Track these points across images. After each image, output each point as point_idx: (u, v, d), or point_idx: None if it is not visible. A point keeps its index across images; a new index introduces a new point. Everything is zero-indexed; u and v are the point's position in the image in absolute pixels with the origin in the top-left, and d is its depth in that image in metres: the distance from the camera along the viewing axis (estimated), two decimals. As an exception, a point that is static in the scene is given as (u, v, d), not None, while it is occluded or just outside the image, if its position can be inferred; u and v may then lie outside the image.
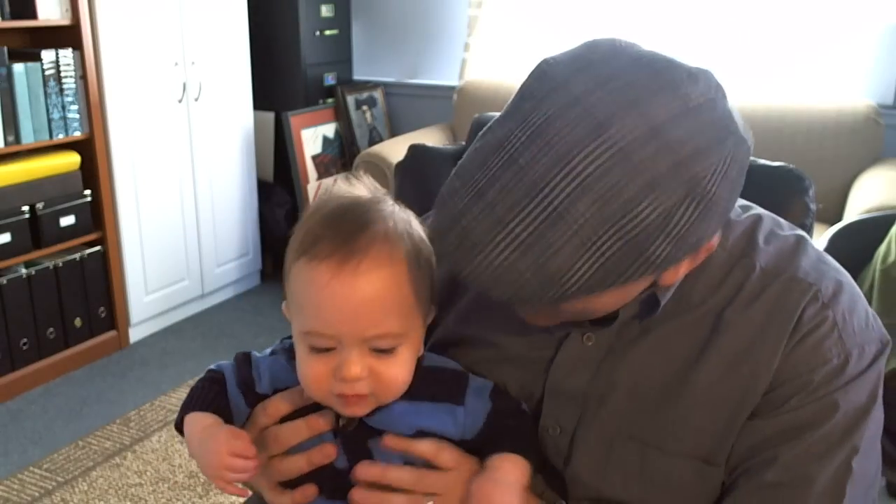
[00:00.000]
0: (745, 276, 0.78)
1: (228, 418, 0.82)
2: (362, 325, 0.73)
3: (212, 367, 0.87)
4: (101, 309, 3.11)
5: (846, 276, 0.81)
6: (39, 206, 2.79)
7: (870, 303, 1.57)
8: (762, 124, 3.02)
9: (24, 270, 2.80)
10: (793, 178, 1.07)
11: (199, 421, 0.81)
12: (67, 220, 2.91)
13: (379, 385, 0.76)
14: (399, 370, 0.77)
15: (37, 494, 2.31)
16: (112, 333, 3.17)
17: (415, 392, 0.79)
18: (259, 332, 3.36)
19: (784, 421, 0.75)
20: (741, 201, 0.84)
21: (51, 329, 2.93)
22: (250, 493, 0.90)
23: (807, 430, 0.75)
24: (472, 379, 0.83)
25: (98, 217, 3.01)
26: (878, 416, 0.78)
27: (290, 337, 0.85)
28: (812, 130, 2.98)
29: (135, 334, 3.27)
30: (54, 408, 2.78)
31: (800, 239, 0.82)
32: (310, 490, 0.82)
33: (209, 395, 0.83)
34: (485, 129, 0.71)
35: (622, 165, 0.61)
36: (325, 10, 3.81)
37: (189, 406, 0.83)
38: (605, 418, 0.81)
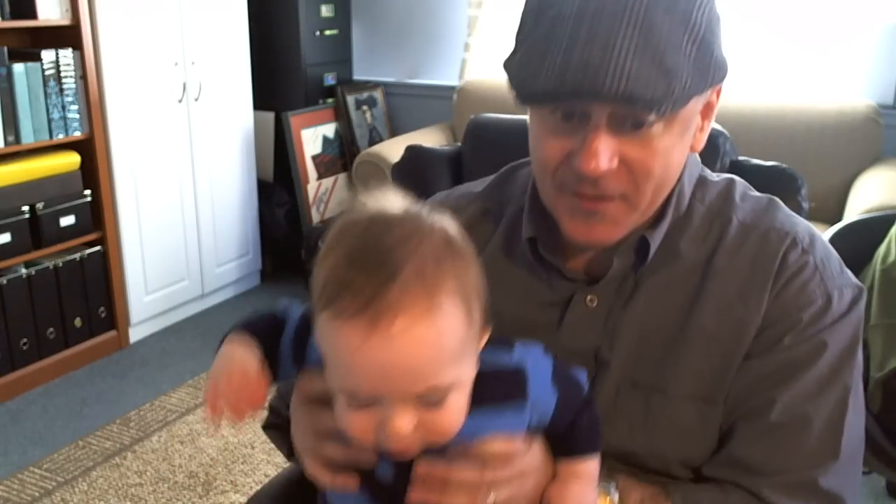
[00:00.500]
0: (724, 229, 0.86)
1: (271, 358, 0.77)
2: (404, 385, 0.65)
3: (283, 302, 0.81)
4: (101, 309, 3.11)
5: (816, 230, 0.88)
6: (39, 206, 2.80)
7: (869, 303, 1.57)
8: (762, 124, 3.02)
9: (24, 270, 2.80)
10: (785, 178, 1.10)
11: (236, 339, 0.76)
12: (67, 220, 2.91)
13: (429, 435, 0.68)
14: (450, 418, 0.68)
15: (37, 494, 2.31)
16: (112, 333, 3.17)
17: (474, 400, 0.71)
18: (259, 332, 3.36)
19: (778, 360, 0.81)
20: (715, 173, 0.94)
21: (51, 329, 2.93)
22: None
23: (800, 370, 0.80)
24: (531, 363, 0.75)
25: (98, 217, 3.01)
26: (860, 360, 0.84)
27: None
28: (812, 130, 2.98)
29: (135, 334, 3.27)
30: (54, 408, 2.78)
31: (771, 198, 0.90)
32: (351, 481, 0.75)
33: (266, 332, 0.77)
34: None
35: None
36: (325, 10, 3.81)
37: (241, 325, 0.78)
38: (611, 370, 0.85)
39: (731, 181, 0.91)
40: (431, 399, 0.66)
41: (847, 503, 0.81)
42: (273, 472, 2.39)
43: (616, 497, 0.80)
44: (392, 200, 0.69)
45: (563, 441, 0.78)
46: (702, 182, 0.90)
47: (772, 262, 0.83)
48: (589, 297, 0.87)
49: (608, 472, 0.81)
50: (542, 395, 0.75)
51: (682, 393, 0.82)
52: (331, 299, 0.64)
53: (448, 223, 0.69)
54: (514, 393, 0.74)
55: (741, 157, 1.21)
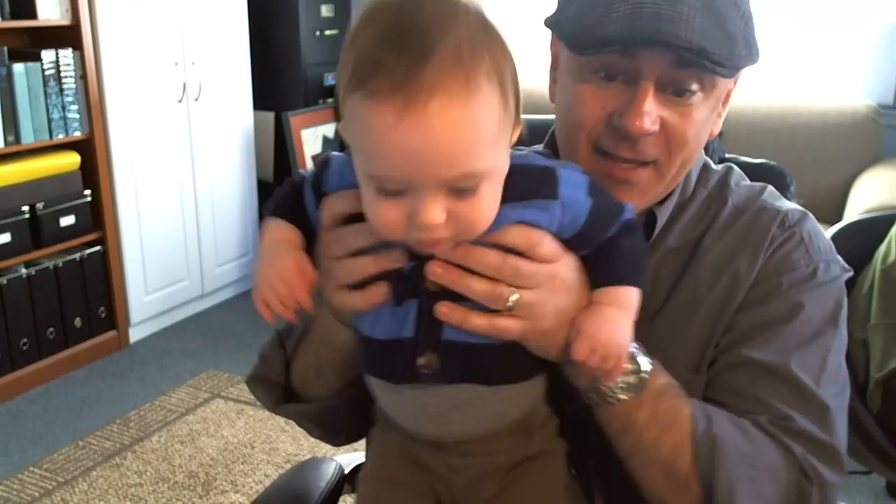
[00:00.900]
0: (719, 211, 0.89)
1: (305, 227, 0.76)
2: (437, 170, 0.62)
3: (301, 171, 0.80)
4: (101, 309, 3.11)
5: (809, 214, 0.90)
6: (39, 206, 2.80)
7: (869, 303, 1.57)
8: (762, 124, 3.02)
9: (24, 270, 2.80)
10: (774, 175, 1.10)
11: (275, 230, 0.75)
12: (67, 220, 2.91)
13: (460, 226, 0.65)
14: (482, 210, 0.66)
15: (37, 494, 2.31)
16: (112, 333, 3.17)
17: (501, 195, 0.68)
18: (259, 331, 3.36)
19: (756, 314, 0.83)
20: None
21: (51, 329, 2.93)
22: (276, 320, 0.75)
23: (777, 325, 0.82)
24: (564, 170, 0.72)
25: (98, 217, 3.01)
26: (843, 335, 0.85)
27: None
28: (812, 130, 2.98)
29: (135, 334, 3.27)
30: (54, 408, 2.78)
31: (765, 186, 0.93)
32: (382, 288, 0.71)
33: (288, 202, 0.76)
34: None
35: None
36: (325, 10, 3.81)
37: (269, 208, 0.77)
38: None
39: (730, 168, 0.94)
40: (464, 186, 0.63)
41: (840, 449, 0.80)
42: (273, 472, 2.39)
43: (647, 366, 0.77)
44: None
45: (600, 266, 0.73)
46: (705, 168, 0.93)
47: (763, 237, 0.85)
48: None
49: (646, 351, 0.79)
50: (574, 200, 0.71)
51: (673, 363, 0.82)
52: (363, 79, 0.61)
53: (482, 8, 0.66)
54: (543, 190, 0.70)
55: (729, 155, 1.21)
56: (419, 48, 0.60)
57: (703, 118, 0.80)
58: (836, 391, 0.82)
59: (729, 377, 0.82)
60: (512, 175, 0.68)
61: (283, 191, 0.78)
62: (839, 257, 0.88)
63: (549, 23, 0.83)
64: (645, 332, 0.82)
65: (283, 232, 0.75)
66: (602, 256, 0.73)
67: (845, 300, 0.86)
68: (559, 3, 0.83)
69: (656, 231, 0.87)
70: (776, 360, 0.80)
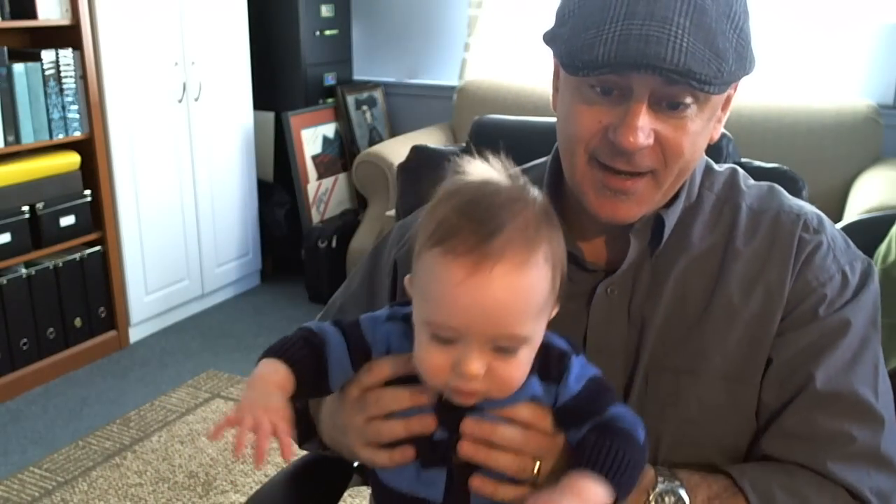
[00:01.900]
0: (735, 215, 0.90)
1: (310, 383, 0.81)
2: (489, 327, 0.71)
3: (308, 325, 0.84)
4: (101, 309, 3.11)
5: (817, 210, 0.93)
6: (39, 206, 2.80)
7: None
8: (762, 124, 3.02)
9: (24, 270, 2.80)
10: (787, 180, 1.11)
11: (273, 371, 0.79)
12: (67, 220, 2.91)
13: (494, 383, 0.74)
14: (517, 371, 0.75)
15: (37, 494, 2.31)
16: (112, 333, 3.17)
17: None
18: (259, 331, 3.36)
19: (813, 332, 0.84)
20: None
21: (51, 329, 2.93)
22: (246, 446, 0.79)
23: (834, 341, 0.84)
24: (576, 360, 0.80)
25: (98, 217, 3.02)
26: (879, 329, 0.88)
27: (400, 304, 0.85)
28: (812, 130, 2.98)
29: (135, 334, 3.27)
30: (54, 408, 2.78)
31: (771, 185, 0.95)
32: (408, 451, 0.79)
33: (299, 353, 0.80)
34: None
35: None
36: (325, 10, 3.81)
37: (275, 350, 0.81)
38: (642, 359, 0.87)
39: (734, 170, 0.95)
40: (506, 346, 0.72)
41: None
42: (273, 472, 2.39)
43: (686, 499, 0.78)
44: (498, 169, 0.77)
45: (582, 452, 0.75)
46: (709, 171, 0.94)
47: (789, 243, 0.87)
48: (609, 288, 0.89)
49: (670, 472, 0.81)
50: (571, 385, 0.78)
51: (711, 373, 0.84)
52: (442, 238, 0.71)
53: (543, 196, 0.77)
54: (554, 372, 0.78)
55: (743, 160, 1.21)
56: (494, 222, 0.71)
57: (699, 129, 0.81)
58: (888, 400, 0.86)
59: (798, 420, 0.83)
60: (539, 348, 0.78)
61: (290, 341, 0.82)
62: (854, 248, 0.90)
63: (547, 39, 0.84)
64: (685, 339, 0.86)
65: (280, 377, 0.79)
66: (577, 439, 0.77)
67: (878, 293, 0.89)
68: (556, 19, 0.84)
69: (665, 236, 0.88)
70: (839, 386, 0.83)
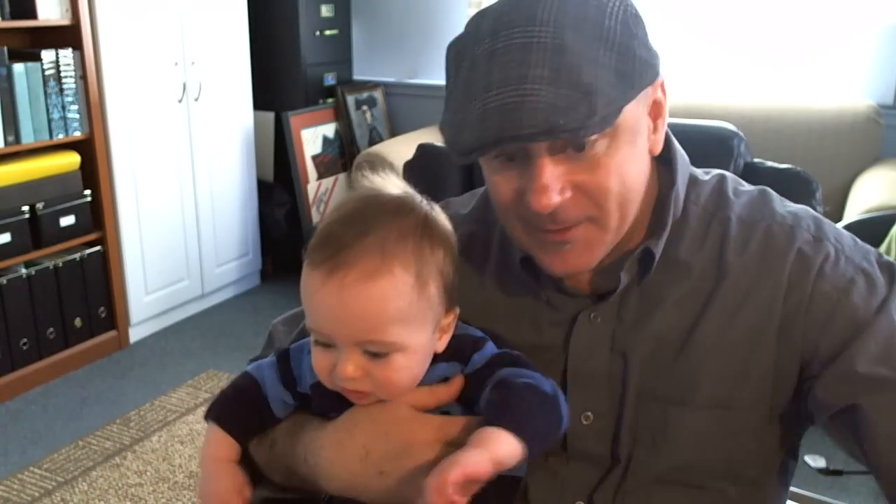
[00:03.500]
0: (724, 228, 0.85)
1: (255, 427, 0.86)
2: (352, 332, 0.74)
3: (249, 368, 0.88)
4: (101, 309, 3.11)
5: (813, 211, 0.87)
6: (39, 206, 2.80)
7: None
8: (762, 124, 3.02)
9: (24, 270, 2.80)
10: (800, 181, 1.08)
11: (214, 446, 0.84)
12: (67, 220, 2.91)
13: (377, 385, 0.76)
14: (394, 374, 0.76)
15: (37, 494, 2.31)
16: (112, 333, 3.17)
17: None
18: (259, 331, 3.36)
19: (867, 339, 0.78)
20: (702, 170, 0.92)
21: (51, 329, 2.93)
22: None
23: (878, 337, 0.78)
24: (488, 347, 0.82)
25: (98, 217, 3.02)
26: None
27: None
28: (812, 130, 2.98)
29: (135, 334, 3.27)
30: (54, 408, 2.78)
31: (763, 189, 0.89)
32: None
33: (235, 407, 0.85)
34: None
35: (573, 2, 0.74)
36: (325, 10, 3.81)
37: (214, 414, 0.85)
38: (629, 388, 0.83)
39: (722, 177, 0.90)
40: (375, 351, 0.75)
41: None
42: None
43: None
44: (394, 183, 0.80)
45: (487, 409, 0.76)
46: (693, 182, 0.88)
47: (783, 257, 0.81)
48: (593, 315, 0.85)
49: None
50: (476, 360, 0.81)
51: (699, 402, 0.81)
52: (311, 250, 0.75)
53: (437, 215, 0.79)
54: (463, 357, 0.81)
55: (756, 160, 1.20)
56: (356, 231, 0.74)
57: (622, 157, 0.76)
58: None
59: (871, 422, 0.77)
60: (451, 340, 0.81)
61: (229, 395, 0.87)
62: (861, 243, 0.85)
63: (440, 126, 0.80)
64: (671, 368, 0.81)
65: (222, 448, 0.84)
66: (486, 404, 0.77)
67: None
68: (445, 104, 0.80)
69: (654, 264, 0.83)
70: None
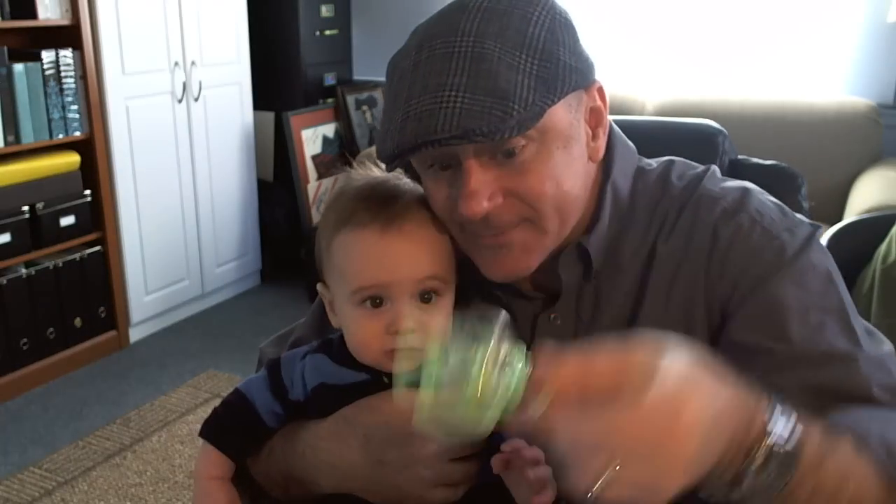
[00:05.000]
0: (665, 214, 0.85)
1: (250, 442, 0.88)
2: (413, 271, 0.78)
3: (239, 385, 0.89)
4: (101, 309, 3.11)
5: (753, 186, 0.86)
6: (39, 206, 2.80)
7: (870, 303, 1.57)
8: (762, 124, 3.02)
9: (24, 270, 2.80)
10: (785, 177, 1.09)
11: (208, 467, 0.87)
12: (67, 220, 2.91)
13: (426, 338, 0.74)
14: (443, 319, 0.80)
15: (37, 494, 2.31)
16: (112, 333, 3.17)
17: None
18: (259, 331, 3.35)
19: (762, 311, 0.77)
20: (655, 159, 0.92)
21: (51, 329, 2.93)
22: None
23: (788, 307, 0.77)
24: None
25: (98, 217, 3.01)
26: (844, 289, 0.81)
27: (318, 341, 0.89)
28: (812, 130, 2.98)
29: (135, 334, 3.27)
30: (54, 408, 2.78)
31: (708, 168, 0.88)
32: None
33: (227, 425, 0.88)
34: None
35: (496, 11, 0.76)
36: (325, 10, 3.81)
37: (208, 428, 0.89)
38: None
39: (670, 163, 0.90)
40: (432, 290, 0.79)
41: None
42: None
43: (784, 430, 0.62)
44: (376, 172, 0.87)
45: None
46: (640, 173, 0.88)
47: (706, 234, 0.81)
48: (552, 315, 0.86)
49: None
50: None
51: None
52: (347, 218, 0.80)
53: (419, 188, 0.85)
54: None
55: (740, 157, 1.21)
56: (389, 196, 0.81)
57: (554, 163, 0.76)
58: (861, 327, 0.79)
59: (830, 377, 0.75)
60: None
61: (222, 414, 0.90)
62: (795, 216, 0.83)
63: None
64: None
65: (214, 466, 0.88)
66: None
67: (829, 257, 0.82)
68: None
69: (594, 258, 0.83)
70: (820, 348, 0.75)
